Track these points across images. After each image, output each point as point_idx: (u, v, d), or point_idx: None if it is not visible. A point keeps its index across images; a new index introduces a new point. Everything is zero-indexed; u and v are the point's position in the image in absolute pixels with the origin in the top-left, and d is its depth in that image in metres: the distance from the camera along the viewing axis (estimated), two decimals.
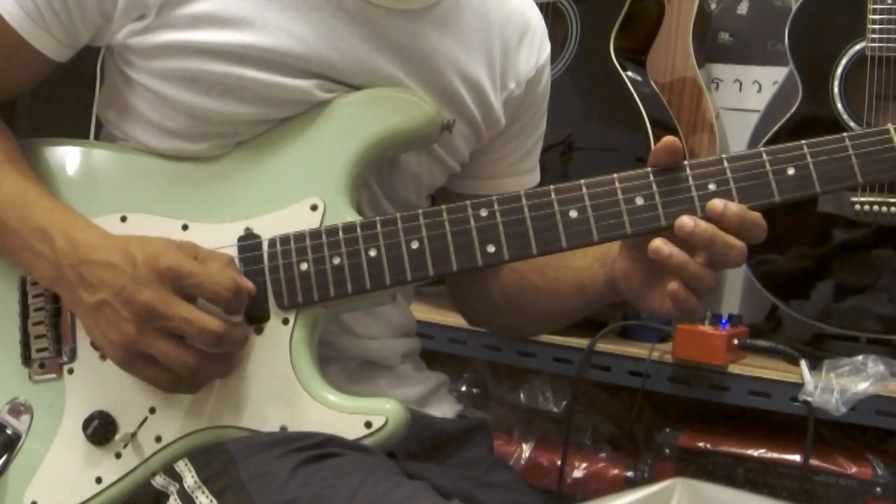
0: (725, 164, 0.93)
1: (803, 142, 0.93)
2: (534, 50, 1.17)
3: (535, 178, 1.24)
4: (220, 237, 1.00)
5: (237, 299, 0.94)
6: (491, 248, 0.96)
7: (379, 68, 1.03)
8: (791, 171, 0.92)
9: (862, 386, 1.38)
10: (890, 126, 0.91)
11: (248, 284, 0.96)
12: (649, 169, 0.95)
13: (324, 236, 0.98)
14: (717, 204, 0.91)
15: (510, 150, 1.20)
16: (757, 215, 0.92)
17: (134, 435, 0.98)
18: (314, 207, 1.00)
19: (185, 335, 0.91)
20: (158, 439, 0.98)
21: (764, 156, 0.93)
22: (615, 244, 1.01)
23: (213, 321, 0.92)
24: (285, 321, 0.98)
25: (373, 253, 0.97)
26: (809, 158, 0.92)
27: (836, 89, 1.53)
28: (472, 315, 1.32)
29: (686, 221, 0.91)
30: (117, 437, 0.99)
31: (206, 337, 0.91)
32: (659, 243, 0.91)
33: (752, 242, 0.93)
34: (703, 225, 0.91)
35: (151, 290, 0.91)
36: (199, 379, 0.95)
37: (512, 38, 1.14)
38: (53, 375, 1.02)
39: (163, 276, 0.91)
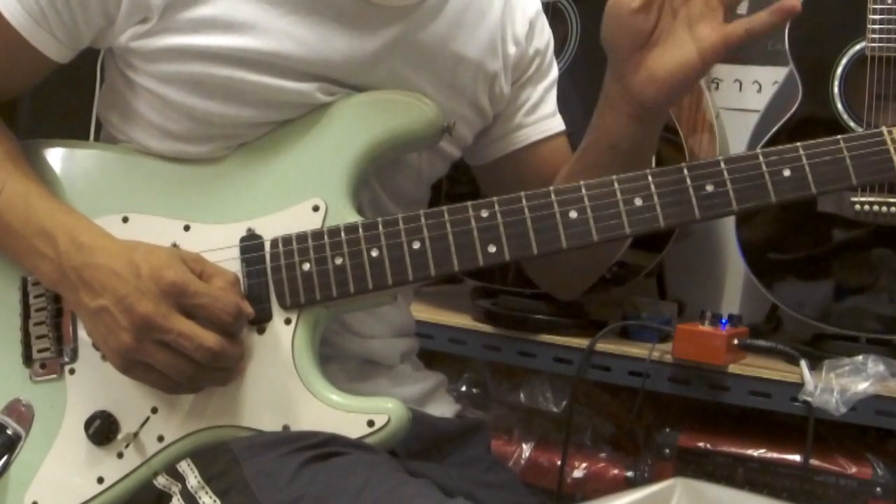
0: (723, 165, 0.94)
1: (799, 144, 0.94)
2: (520, 5, 1.16)
3: (557, 123, 1.22)
4: (222, 238, 1.00)
5: (237, 323, 0.95)
6: (492, 249, 0.96)
7: (380, 66, 1.04)
8: (787, 173, 0.93)
9: (862, 386, 1.38)
10: (884, 128, 0.93)
11: (249, 309, 0.97)
12: (648, 170, 0.96)
13: (326, 237, 0.98)
14: None
15: (521, 103, 1.19)
16: None
17: (136, 435, 0.99)
18: (316, 208, 1.00)
19: (181, 350, 0.92)
20: (161, 439, 0.98)
21: (760, 157, 0.94)
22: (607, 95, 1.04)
23: (211, 338, 0.92)
24: (287, 321, 0.98)
25: (375, 253, 0.97)
26: (805, 160, 0.93)
27: (836, 89, 1.52)
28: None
29: None
30: (119, 436, 0.99)
31: (202, 353, 0.92)
32: None
33: None
34: None
35: (152, 303, 0.91)
36: (198, 384, 0.95)
37: (506, 3, 1.14)
38: (55, 375, 1.02)
39: (166, 291, 0.92)
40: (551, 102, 1.23)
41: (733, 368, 1.45)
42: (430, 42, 1.07)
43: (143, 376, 0.94)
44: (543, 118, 1.21)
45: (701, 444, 1.51)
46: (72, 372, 1.02)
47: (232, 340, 0.95)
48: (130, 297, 0.91)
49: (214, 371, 0.94)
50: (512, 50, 1.15)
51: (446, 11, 1.08)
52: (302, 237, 0.99)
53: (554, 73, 1.23)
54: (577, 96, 1.67)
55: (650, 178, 0.95)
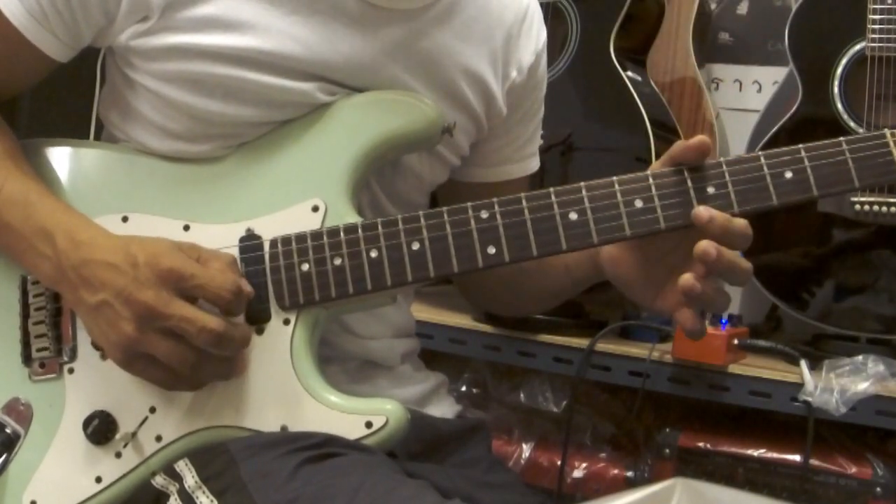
0: (724, 167, 0.94)
1: (801, 146, 0.93)
2: (532, 36, 1.17)
3: (536, 163, 1.26)
4: (221, 238, 1.00)
5: (237, 301, 0.94)
6: (491, 250, 0.96)
7: (381, 69, 1.04)
8: (789, 175, 0.93)
9: (862, 386, 1.38)
10: (886, 131, 0.92)
11: (248, 287, 0.96)
12: (649, 172, 0.95)
13: (325, 237, 0.98)
14: (703, 211, 0.92)
15: (514, 137, 1.21)
16: (742, 223, 0.93)
17: (134, 434, 0.98)
18: (315, 208, 1.00)
19: (185, 334, 0.91)
20: (159, 438, 0.98)
21: (762, 159, 0.94)
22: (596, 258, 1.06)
23: (214, 320, 0.92)
24: (286, 322, 0.98)
25: (374, 254, 0.97)
26: (807, 162, 0.93)
27: (836, 89, 1.53)
28: (475, 299, 1.38)
29: (702, 211, 0.92)
30: (117, 436, 0.99)
31: (206, 336, 0.91)
32: (701, 209, 0.92)
33: (735, 249, 0.94)
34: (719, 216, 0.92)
35: (152, 291, 0.91)
36: (200, 376, 0.95)
37: (513, 26, 1.14)
38: (53, 375, 1.02)
39: (164, 278, 0.91)
40: (536, 141, 1.26)
41: (733, 368, 1.45)
42: (433, 49, 1.07)
43: (145, 371, 0.94)
44: (528, 157, 1.24)
45: (701, 444, 1.51)
46: (71, 371, 1.02)
47: (234, 324, 0.94)
48: (130, 287, 0.91)
49: (217, 361, 0.94)
50: (513, 74, 1.15)
51: (452, 22, 1.08)
52: (301, 237, 0.99)
53: (542, 110, 1.25)
54: (577, 96, 1.68)
55: (651, 179, 0.95)
